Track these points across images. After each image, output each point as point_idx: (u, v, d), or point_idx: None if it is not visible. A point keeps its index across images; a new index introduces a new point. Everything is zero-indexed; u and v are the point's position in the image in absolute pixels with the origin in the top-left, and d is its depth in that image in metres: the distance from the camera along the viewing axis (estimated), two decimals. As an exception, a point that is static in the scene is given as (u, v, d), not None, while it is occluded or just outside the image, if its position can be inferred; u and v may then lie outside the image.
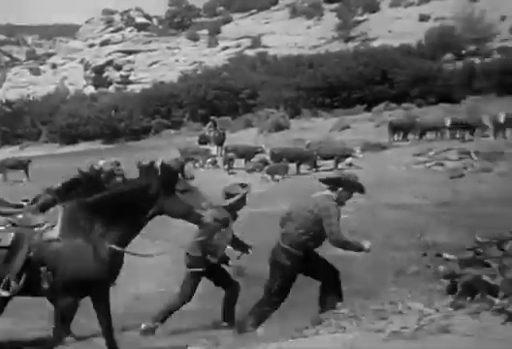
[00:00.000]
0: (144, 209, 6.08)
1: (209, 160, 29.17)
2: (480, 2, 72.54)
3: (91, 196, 6.11)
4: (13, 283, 5.94)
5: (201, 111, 54.19)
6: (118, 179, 11.41)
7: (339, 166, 24.97)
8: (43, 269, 5.91)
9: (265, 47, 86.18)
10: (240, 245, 8.39)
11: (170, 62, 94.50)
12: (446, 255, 5.43)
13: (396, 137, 31.87)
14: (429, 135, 31.05)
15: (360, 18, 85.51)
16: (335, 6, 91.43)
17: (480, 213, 14.15)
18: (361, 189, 7.47)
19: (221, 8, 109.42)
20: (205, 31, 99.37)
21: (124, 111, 55.72)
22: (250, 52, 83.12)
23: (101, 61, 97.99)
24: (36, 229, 6.07)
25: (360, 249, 7.19)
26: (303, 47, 79.53)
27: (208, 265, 7.98)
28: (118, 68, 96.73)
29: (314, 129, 38.75)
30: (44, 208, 6.58)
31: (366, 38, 78.13)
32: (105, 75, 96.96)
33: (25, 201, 6.87)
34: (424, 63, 50.49)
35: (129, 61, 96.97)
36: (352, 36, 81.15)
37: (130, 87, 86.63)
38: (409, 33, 65.82)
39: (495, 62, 51.52)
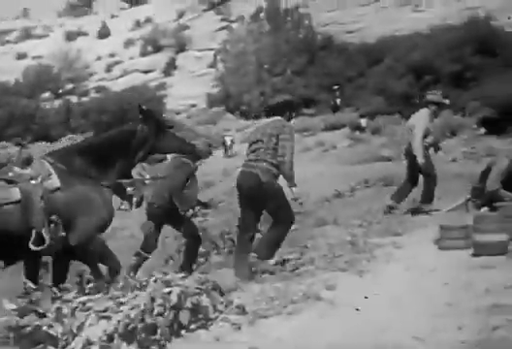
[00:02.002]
0: (134, 150, 6.20)
1: None
2: (77, 42, 74.95)
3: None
4: (45, 235, 5.66)
5: None
6: None
7: None
8: (55, 217, 5.71)
9: None
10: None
11: None
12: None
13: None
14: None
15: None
16: None
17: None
18: (298, 104, 7.85)
19: None
20: None
21: None
22: None
23: None
24: (33, 181, 5.80)
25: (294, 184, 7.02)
26: None
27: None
28: None
29: None
30: (27, 162, 6.23)
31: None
32: None
33: None
34: (21, 101, 50.58)
35: None
36: None
37: None
38: (7, 71, 65.24)
39: (91, 101, 53.70)
